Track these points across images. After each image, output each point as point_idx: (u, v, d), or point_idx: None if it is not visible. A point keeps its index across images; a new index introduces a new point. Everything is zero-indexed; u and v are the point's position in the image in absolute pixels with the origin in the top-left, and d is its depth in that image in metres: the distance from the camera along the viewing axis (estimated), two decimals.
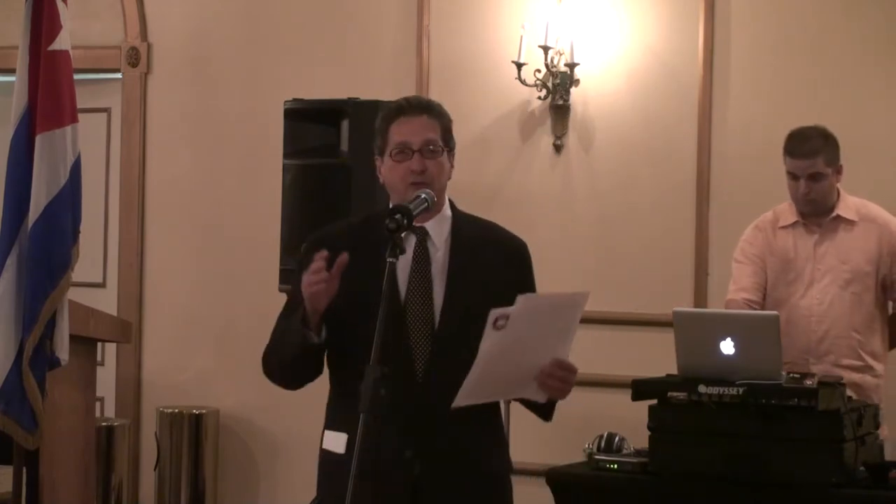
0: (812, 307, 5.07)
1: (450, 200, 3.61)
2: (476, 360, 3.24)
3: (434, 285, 3.48)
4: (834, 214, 5.07)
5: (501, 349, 3.25)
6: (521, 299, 3.24)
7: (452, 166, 3.57)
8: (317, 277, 3.30)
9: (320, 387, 5.76)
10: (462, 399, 3.28)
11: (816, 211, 5.07)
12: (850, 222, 5.07)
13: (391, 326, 3.33)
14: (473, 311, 3.35)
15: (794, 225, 5.12)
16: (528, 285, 3.55)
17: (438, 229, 3.54)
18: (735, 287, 5.18)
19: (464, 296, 3.47)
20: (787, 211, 5.15)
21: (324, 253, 3.32)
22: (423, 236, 3.51)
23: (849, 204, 5.09)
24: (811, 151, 4.98)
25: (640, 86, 6.37)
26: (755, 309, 5.07)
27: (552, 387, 3.37)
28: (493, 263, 3.53)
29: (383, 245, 3.28)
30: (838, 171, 5.05)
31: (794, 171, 5.02)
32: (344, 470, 3.20)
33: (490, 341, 3.23)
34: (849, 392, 4.69)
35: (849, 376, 4.91)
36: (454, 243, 3.53)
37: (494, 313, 3.21)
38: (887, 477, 4.41)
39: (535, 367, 3.34)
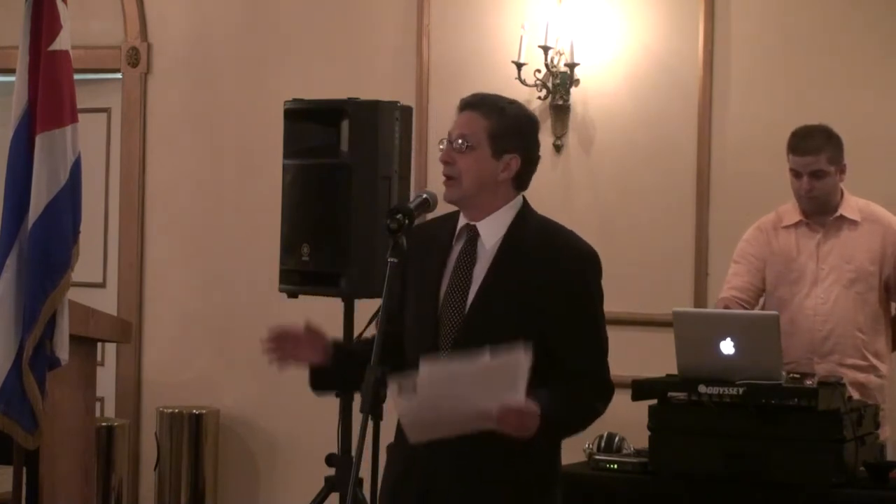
0: (816, 306, 5.06)
1: (524, 200, 3.54)
2: (398, 415, 3.22)
3: (472, 285, 3.44)
4: (837, 214, 5.07)
5: (422, 409, 3.18)
6: (422, 368, 3.18)
7: (505, 169, 3.46)
8: (267, 353, 3.48)
9: None
10: (413, 438, 3.27)
11: (819, 209, 5.07)
12: (854, 222, 5.07)
13: (427, 322, 3.39)
14: (503, 315, 3.35)
15: (797, 224, 5.12)
16: (579, 299, 3.46)
17: (492, 229, 3.47)
18: (727, 286, 5.19)
19: (494, 299, 3.41)
20: (790, 211, 5.14)
21: (273, 328, 3.47)
22: (473, 235, 3.48)
23: (852, 204, 5.09)
24: (814, 149, 4.98)
25: (640, 86, 6.36)
26: (745, 308, 5.08)
27: (508, 428, 3.24)
28: (544, 271, 3.42)
29: (442, 244, 3.41)
30: (842, 170, 5.05)
31: (796, 168, 5.02)
32: (394, 455, 3.35)
33: (403, 405, 3.17)
34: (852, 392, 4.70)
35: (853, 376, 4.91)
36: (504, 245, 3.46)
37: (395, 381, 3.16)
38: (887, 477, 4.42)
39: (483, 410, 3.21)
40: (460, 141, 3.44)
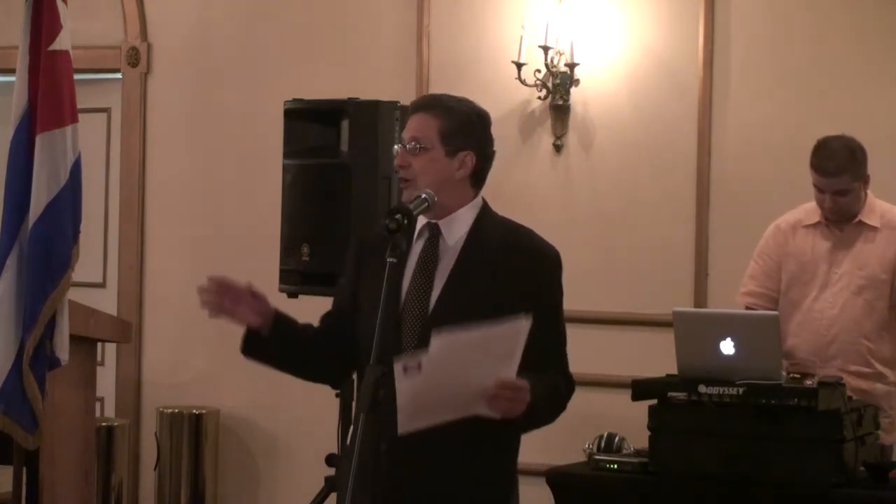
0: (824, 311, 5.02)
1: (484, 202, 3.57)
2: (397, 398, 3.18)
3: (435, 284, 3.46)
4: (857, 220, 5.00)
5: (425, 388, 3.17)
6: (435, 340, 3.17)
7: (461, 167, 3.50)
8: (202, 297, 3.56)
9: (320, 387, 5.73)
10: (404, 426, 3.22)
11: (842, 219, 5.01)
12: (873, 228, 5.00)
13: (390, 322, 3.36)
14: (467, 313, 3.33)
15: (816, 225, 5.05)
16: (542, 296, 3.49)
17: (454, 228, 3.51)
18: (743, 290, 5.16)
19: (459, 297, 3.43)
20: (811, 211, 5.07)
21: (214, 276, 3.59)
22: (435, 234, 3.50)
23: (875, 209, 5.02)
24: (836, 170, 4.90)
25: (640, 86, 6.37)
26: None
27: (500, 406, 3.27)
28: (508, 269, 3.46)
29: (404, 247, 3.37)
30: (865, 181, 4.97)
31: (819, 186, 4.95)
32: (343, 458, 3.23)
33: (405, 385, 3.16)
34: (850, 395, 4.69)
35: (855, 383, 4.86)
36: (467, 244, 3.49)
37: (401, 362, 3.15)
38: (887, 477, 4.42)
39: (479, 389, 3.24)
40: (413, 143, 3.48)
